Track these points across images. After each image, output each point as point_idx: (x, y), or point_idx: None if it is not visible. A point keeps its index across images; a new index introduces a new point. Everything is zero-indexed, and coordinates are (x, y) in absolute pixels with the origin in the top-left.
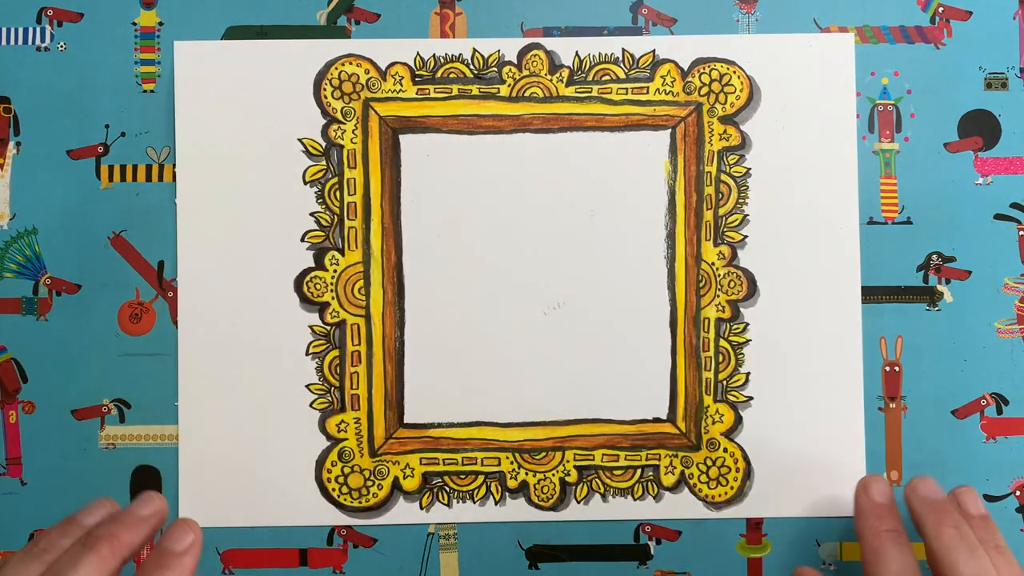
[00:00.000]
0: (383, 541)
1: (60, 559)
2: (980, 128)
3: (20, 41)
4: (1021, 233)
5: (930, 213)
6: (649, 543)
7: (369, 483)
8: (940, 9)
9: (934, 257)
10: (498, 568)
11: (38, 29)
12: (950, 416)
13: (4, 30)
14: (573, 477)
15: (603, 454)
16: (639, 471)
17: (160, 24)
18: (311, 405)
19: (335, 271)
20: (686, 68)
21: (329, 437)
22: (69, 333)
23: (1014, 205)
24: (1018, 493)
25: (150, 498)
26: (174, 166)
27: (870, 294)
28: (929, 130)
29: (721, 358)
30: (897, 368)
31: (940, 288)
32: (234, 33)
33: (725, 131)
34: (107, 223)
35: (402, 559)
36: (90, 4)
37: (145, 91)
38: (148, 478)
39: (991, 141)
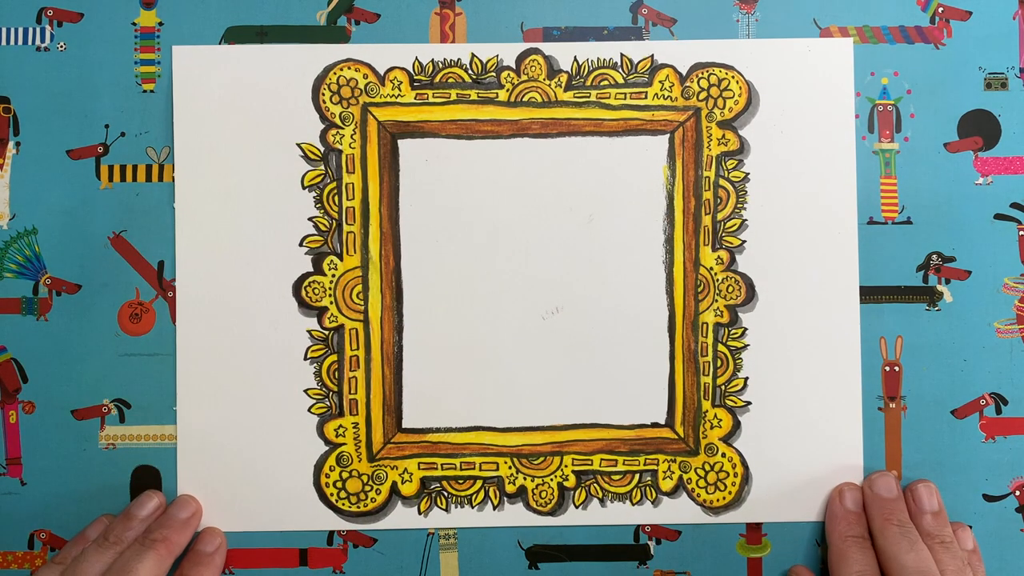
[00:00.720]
0: (383, 541)
1: (127, 552)
2: (980, 128)
3: (20, 41)
4: (1021, 233)
5: (930, 213)
6: (649, 543)
7: (367, 488)
8: (940, 9)
9: (934, 257)
10: (498, 568)
11: (38, 29)
12: (950, 416)
13: (4, 30)
14: (571, 482)
15: (601, 459)
16: (637, 476)
17: (160, 24)
18: (309, 410)
19: (333, 276)
20: (685, 73)
21: (327, 442)
22: (69, 333)
23: (1014, 205)
24: (1018, 493)
25: (186, 501)
26: (174, 166)
27: (869, 294)
28: (929, 130)
29: (719, 363)
30: (897, 368)
31: (940, 288)
32: (234, 34)
33: (724, 136)
34: (107, 223)
35: (402, 559)
36: (90, 4)
37: (145, 91)
38: (148, 478)
39: (991, 141)
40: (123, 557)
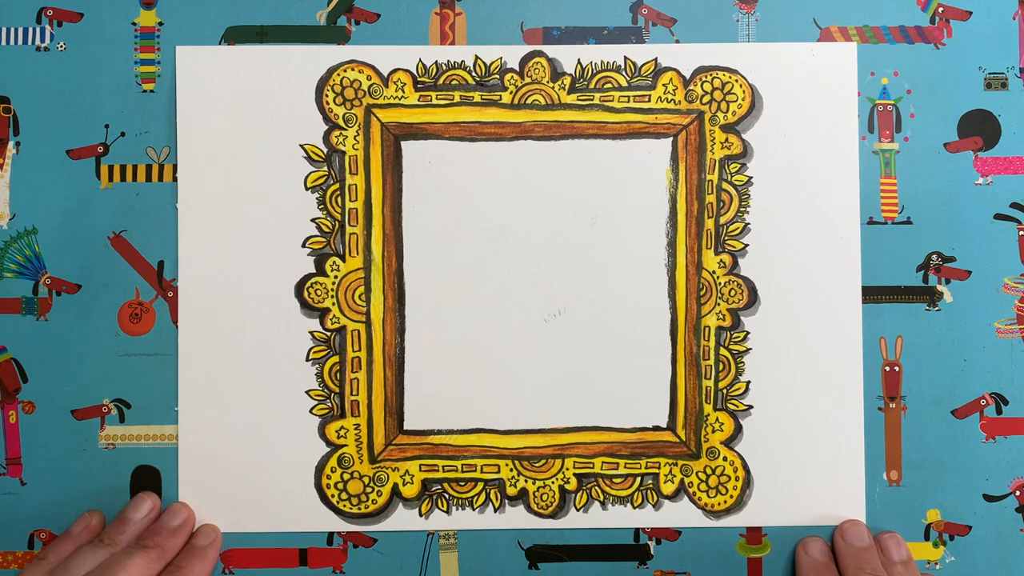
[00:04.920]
0: (383, 541)
1: (120, 552)
2: (980, 128)
3: (20, 41)
4: (1021, 233)
5: (930, 213)
6: (649, 543)
7: (368, 489)
8: (940, 9)
9: (934, 257)
10: (498, 568)
11: (38, 29)
12: (950, 416)
13: (4, 30)
14: (573, 485)
15: (603, 462)
16: (639, 479)
17: (160, 24)
18: (311, 411)
19: (336, 277)
20: (688, 76)
21: (329, 443)
22: (69, 333)
23: (1014, 205)
24: (1018, 493)
25: (178, 509)
26: (174, 166)
27: (870, 294)
28: (929, 130)
29: (721, 367)
30: (897, 368)
31: (940, 288)
32: (234, 34)
33: (727, 139)
34: (107, 223)
35: (402, 559)
36: (90, 4)
37: (145, 91)
38: (148, 478)
39: (991, 141)
40: (114, 556)
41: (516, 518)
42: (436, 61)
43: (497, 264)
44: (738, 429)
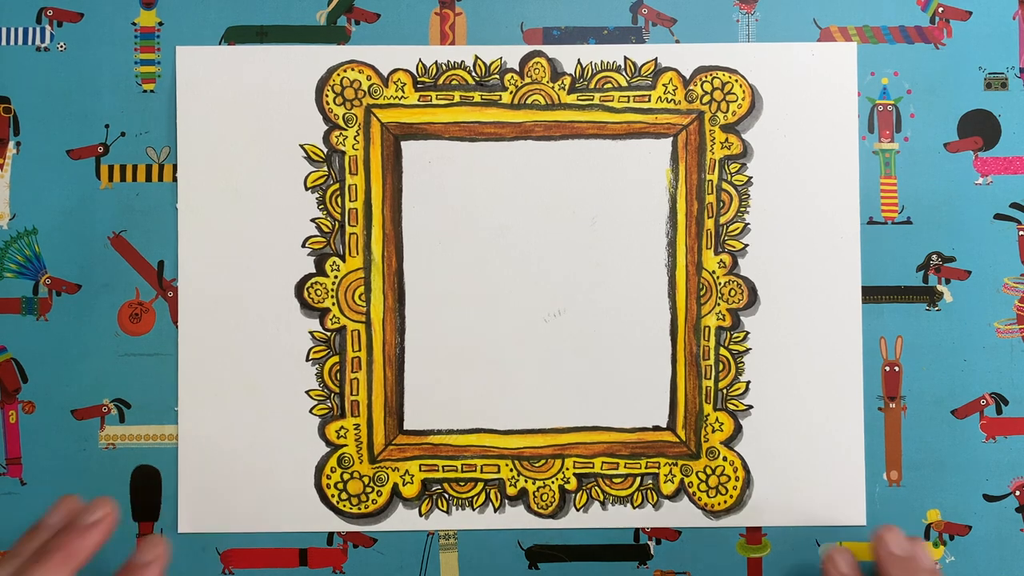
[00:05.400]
0: (383, 541)
1: (21, 564)
2: (980, 128)
3: (20, 41)
4: (1021, 233)
5: (930, 213)
6: (649, 543)
7: (368, 489)
8: (940, 9)
9: (934, 257)
10: (498, 568)
11: (38, 29)
12: (950, 416)
13: (4, 30)
14: (573, 485)
15: (603, 462)
16: (638, 479)
17: (160, 24)
18: (311, 411)
19: (336, 277)
20: (688, 76)
21: (329, 443)
22: (69, 333)
23: (1014, 205)
24: (1018, 493)
25: (96, 505)
26: (174, 166)
27: (870, 294)
28: (929, 130)
29: (721, 367)
30: (897, 368)
31: (940, 288)
32: (234, 34)
33: (727, 139)
34: (107, 223)
35: (402, 559)
36: (90, 4)
37: (145, 91)
38: (148, 478)
39: (991, 141)
40: (17, 571)
41: (516, 518)
42: (436, 61)
43: (497, 264)
44: (738, 429)
